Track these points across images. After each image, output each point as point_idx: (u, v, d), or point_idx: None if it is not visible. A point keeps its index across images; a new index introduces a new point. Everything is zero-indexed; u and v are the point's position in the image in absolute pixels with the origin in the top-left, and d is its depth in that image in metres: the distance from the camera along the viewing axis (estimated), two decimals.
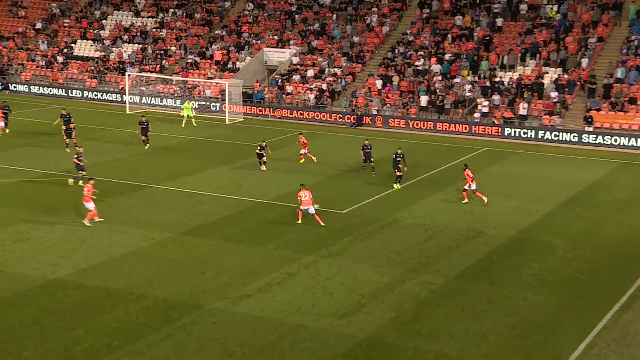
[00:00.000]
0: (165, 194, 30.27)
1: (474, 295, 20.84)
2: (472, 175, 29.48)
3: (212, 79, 52.07)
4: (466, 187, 29.55)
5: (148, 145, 37.52)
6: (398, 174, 31.81)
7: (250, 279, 21.54)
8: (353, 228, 26.51)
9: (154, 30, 59.00)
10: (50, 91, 54.39)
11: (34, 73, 56.57)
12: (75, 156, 30.53)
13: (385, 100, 48.21)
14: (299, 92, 50.18)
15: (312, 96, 49.41)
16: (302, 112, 48.29)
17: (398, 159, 31.93)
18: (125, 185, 31.08)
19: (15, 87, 55.13)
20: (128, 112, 48.92)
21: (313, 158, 36.17)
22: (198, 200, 29.42)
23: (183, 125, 44.18)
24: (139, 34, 58.59)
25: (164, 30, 58.77)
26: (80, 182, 29.89)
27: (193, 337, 18.13)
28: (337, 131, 45.40)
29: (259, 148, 34.28)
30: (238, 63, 53.83)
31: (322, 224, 26.29)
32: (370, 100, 48.07)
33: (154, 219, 26.87)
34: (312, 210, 26.42)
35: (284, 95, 50.08)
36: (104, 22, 60.86)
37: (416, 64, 49.84)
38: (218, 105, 49.53)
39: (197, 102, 50.27)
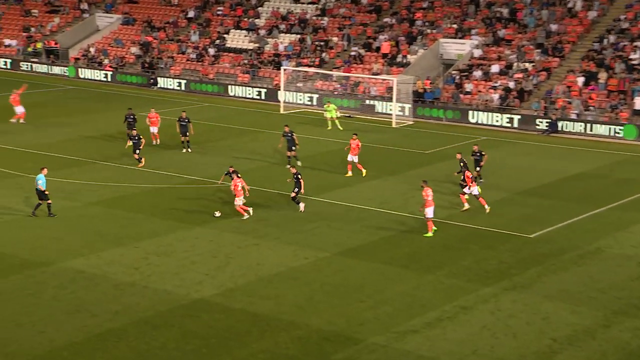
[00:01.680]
0: (321, 207, 30.91)
1: None
2: (471, 177, 29.95)
3: (378, 74, 52.62)
4: (465, 191, 29.91)
5: (298, 161, 36.24)
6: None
7: (417, 311, 21.48)
8: (543, 256, 25.77)
9: (314, 18, 60.70)
10: (200, 87, 57.45)
11: (184, 67, 60.10)
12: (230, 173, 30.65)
13: (588, 101, 46.25)
14: (480, 91, 49.43)
15: (495, 96, 48.48)
16: (483, 114, 47.52)
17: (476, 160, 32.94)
18: (277, 196, 32.10)
19: (163, 83, 58.80)
20: (282, 111, 50.60)
21: (362, 170, 35.03)
22: (358, 216, 29.78)
23: (329, 127, 44.89)
24: (297, 22, 60.53)
25: (325, 18, 60.28)
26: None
27: None
28: (526, 138, 44.17)
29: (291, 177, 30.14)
30: (409, 56, 53.99)
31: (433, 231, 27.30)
32: (569, 101, 46.33)
33: (308, 236, 27.53)
34: (429, 214, 27.30)
35: (461, 95, 49.55)
36: (259, 9, 63.54)
37: (630, 57, 47.46)
38: (384, 105, 49.95)
39: (360, 102, 51.05)
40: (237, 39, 61.33)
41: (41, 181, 28.51)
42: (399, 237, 27.56)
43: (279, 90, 52.68)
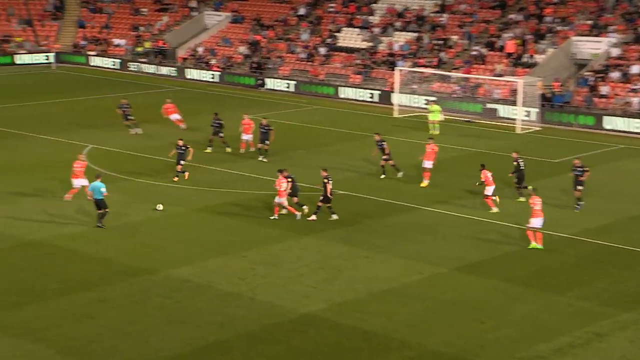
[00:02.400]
0: (438, 218, 30.64)
1: None
2: (490, 177, 30.97)
3: (501, 75, 51.83)
4: (486, 192, 31.05)
5: (399, 172, 35.76)
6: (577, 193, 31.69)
7: (544, 336, 20.97)
8: None
9: (432, 14, 60.34)
10: (309, 88, 57.92)
11: (293, 67, 60.84)
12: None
13: None
14: (617, 94, 47.99)
15: (635, 99, 46.95)
16: (620, 119, 46.11)
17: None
18: (388, 205, 32.03)
19: (272, 84, 59.61)
20: (396, 114, 50.47)
21: (426, 180, 34.37)
22: (480, 229, 29.37)
23: (435, 132, 44.25)
24: (414, 19, 60.30)
25: (445, 15, 59.84)
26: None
27: None
28: None
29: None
30: (536, 56, 52.92)
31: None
32: None
33: (423, 249, 27.32)
34: (533, 224, 27.11)
35: (595, 98, 48.16)
36: (373, 6, 63.70)
37: None
38: (507, 109, 49.11)
39: (480, 105, 50.39)
40: (350, 38, 61.65)
41: (103, 189, 28.50)
42: (523, 253, 26.99)
43: (393, 92, 52.60)
